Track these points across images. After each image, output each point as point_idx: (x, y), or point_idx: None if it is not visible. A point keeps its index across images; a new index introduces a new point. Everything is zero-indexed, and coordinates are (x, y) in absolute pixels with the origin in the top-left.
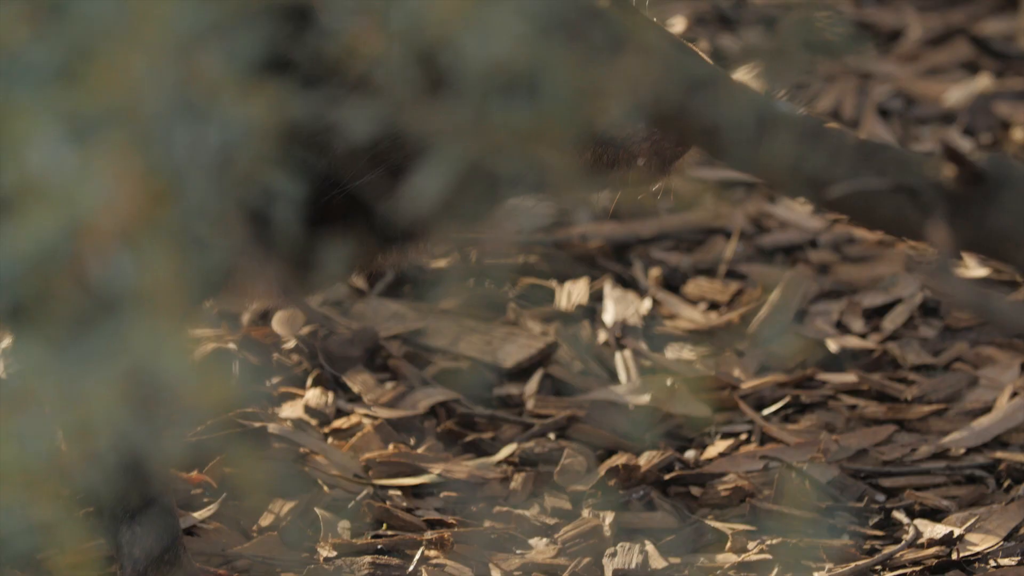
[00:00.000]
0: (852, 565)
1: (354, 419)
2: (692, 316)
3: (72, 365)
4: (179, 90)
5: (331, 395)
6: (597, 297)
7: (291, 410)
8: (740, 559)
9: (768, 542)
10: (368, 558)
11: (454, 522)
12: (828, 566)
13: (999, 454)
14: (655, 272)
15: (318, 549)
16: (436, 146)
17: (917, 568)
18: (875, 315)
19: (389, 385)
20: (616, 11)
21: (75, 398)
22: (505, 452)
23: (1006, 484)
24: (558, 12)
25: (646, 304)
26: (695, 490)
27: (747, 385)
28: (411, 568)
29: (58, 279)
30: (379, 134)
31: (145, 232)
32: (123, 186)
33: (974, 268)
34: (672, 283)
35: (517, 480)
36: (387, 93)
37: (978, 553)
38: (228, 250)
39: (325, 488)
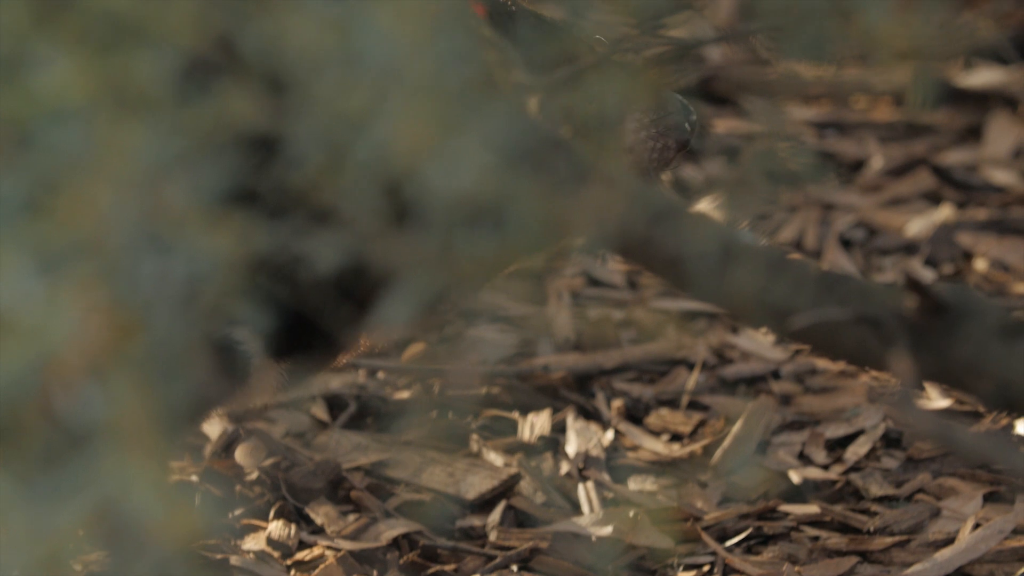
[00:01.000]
0: None
1: (317, 551)
2: (655, 447)
3: (40, 500)
4: (145, 222)
5: (294, 527)
6: (560, 428)
7: (254, 542)
8: None
9: None
10: None
11: None
12: None
13: None
14: (618, 403)
15: None
16: (402, 276)
17: None
18: (837, 446)
19: (352, 517)
20: (579, 143)
21: (41, 533)
22: None
23: None
24: (522, 143)
25: (609, 435)
26: None
27: (710, 516)
28: None
29: (26, 413)
30: (344, 265)
31: (113, 365)
32: (91, 319)
33: (936, 399)
34: (635, 414)
35: None
36: (352, 224)
37: None
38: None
39: None
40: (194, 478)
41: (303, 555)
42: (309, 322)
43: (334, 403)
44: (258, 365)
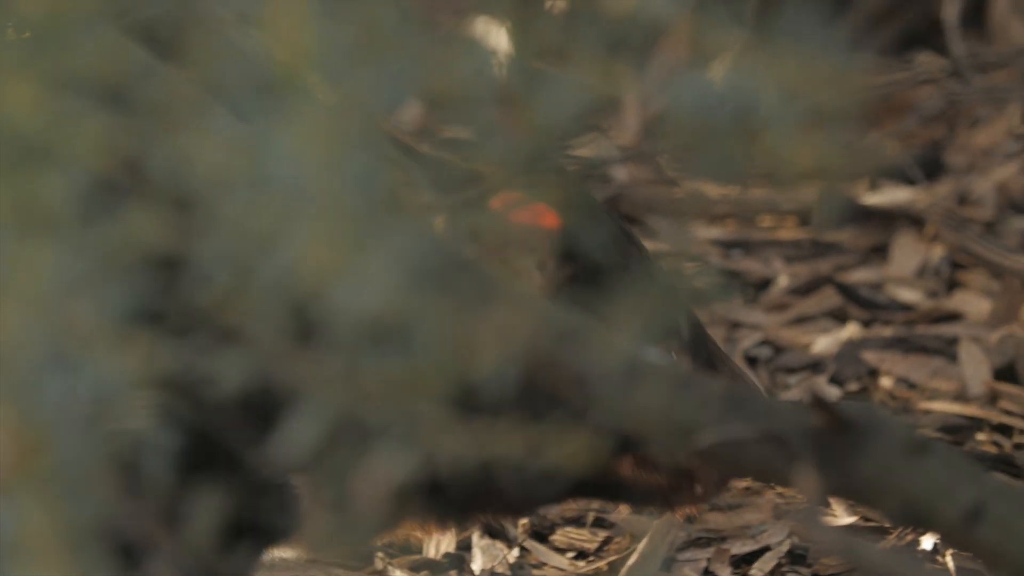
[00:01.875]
0: None
1: None
2: (560, 564)
3: None
4: (51, 341)
5: None
6: (465, 546)
7: None
8: None
9: None
10: None
11: None
12: None
13: None
14: (523, 521)
15: None
16: (306, 396)
17: None
18: (743, 562)
19: None
20: (485, 262)
21: None
22: None
23: None
24: (429, 263)
25: (514, 553)
26: None
27: None
28: None
29: None
30: (249, 384)
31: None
32: None
33: (842, 515)
34: (540, 531)
35: None
36: (258, 343)
37: None
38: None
39: None
40: None
41: None
42: (214, 442)
43: None
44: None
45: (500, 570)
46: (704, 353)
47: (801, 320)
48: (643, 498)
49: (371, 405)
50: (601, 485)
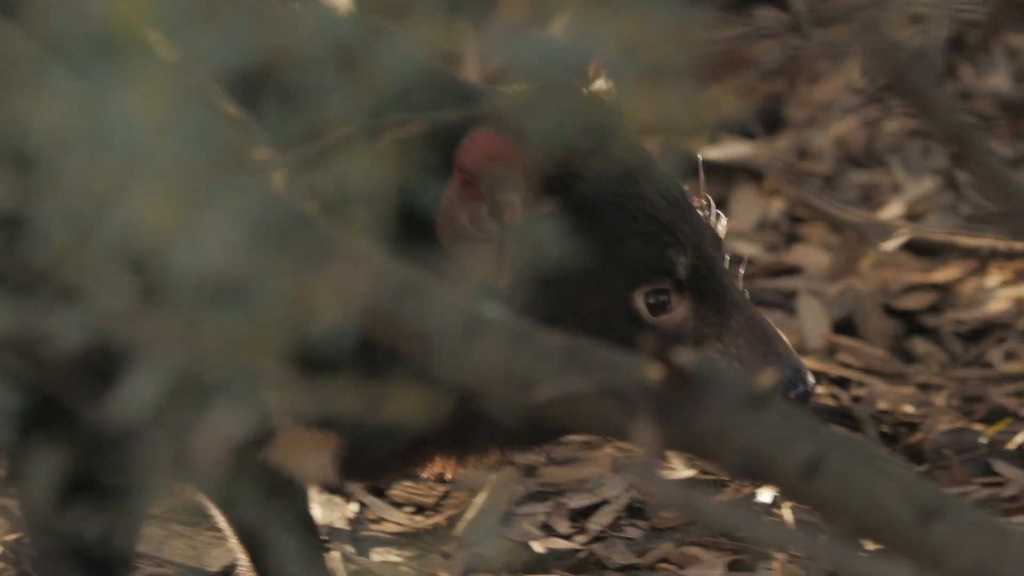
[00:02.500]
0: None
1: None
2: (399, 519)
3: None
4: None
5: None
6: None
7: None
8: None
9: None
10: None
11: None
12: None
13: None
14: None
15: None
16: (146, 354)
17: None
18: (581, 516)
19: None
20: (325, 219)
21: None
22: None
23: None
24: (268, 221)
25: (353, 507)
26: None
27: None
28: None
29: None
30: (89, 342)
31: None
32: None
33: (680, 469)
34: (379, 487)
35: None
36: (97, 302)
37: None
38: None
39: None
40: None
41: None
42: (53, 400)
43: None
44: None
45: (339, 525)
46: (712, 294)
47: None
48: None
49: (211, 363)
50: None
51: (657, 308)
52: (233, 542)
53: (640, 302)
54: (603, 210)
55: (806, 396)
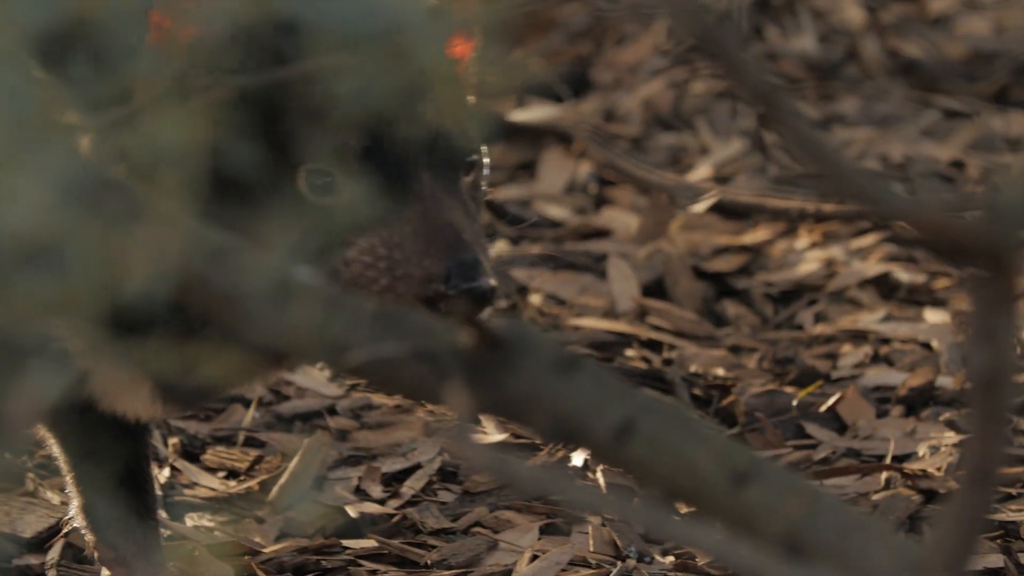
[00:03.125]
0: None
1: None
2: (212, 484)
3: None
4: None
5: None
6: None
7: None
8: None
9: None
10: None
11: None
12: None
13: None
14: (174, 441)
15: None
16: None
17: None
18: (394, 480)
19: None
20: (134, 182)
21: None
22: None
23: None
24: (77, 182)
25: (165, 472)
26: None
27: (268, 551)
28: None
29: None
30: None
31: None
32: None
33: (493, 433)
34: (191, 451)
35: None
36: None
37: None
38: None
39: None
40: None
41: None
42: None
43: None
44: None
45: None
46: (401, 181)
47: None
48: None
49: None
50: None
51: (319, 188)
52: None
53: (301, 179)
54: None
55: (473, 294)
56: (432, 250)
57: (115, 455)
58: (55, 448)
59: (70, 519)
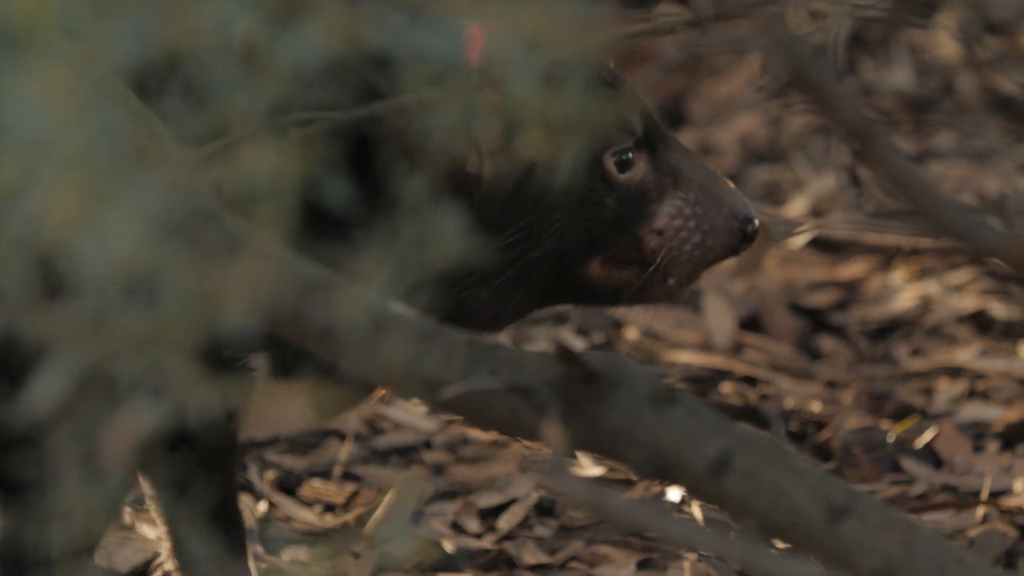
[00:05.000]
0: None
1: None
2: (308, 518)
3: None
4: None
5: None
6: None
7: None
8: None
9: None
10: None
11: None
12: None
13: None
14: (270, 475)
15: None
16: (54, 349)
17: None
18: (491, 515)
19: None
20: (230, 215)
21: None
22: None
23: None
24: (174, 215)
25: (262, 506)
26: None
27: None
28: None
29: None
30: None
31: None
32: None
33: (589, 467)
34: (287, 485)
35: None
36: (4, 296)
37: None
38: None
39: None
40: None
41: None
42: None
43: None
44: None
45: (248, 524)
46: (661, 146)
47: None
48: (615, 295)
49: (119, 358)
50: (571, 288)
51: (623, 166)
52: (161, 530)
53: (609, 163)
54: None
55: (756, 232)
56: (719, 198)
57: (205, 491)
58: (146, 485)
59: (162, 560)
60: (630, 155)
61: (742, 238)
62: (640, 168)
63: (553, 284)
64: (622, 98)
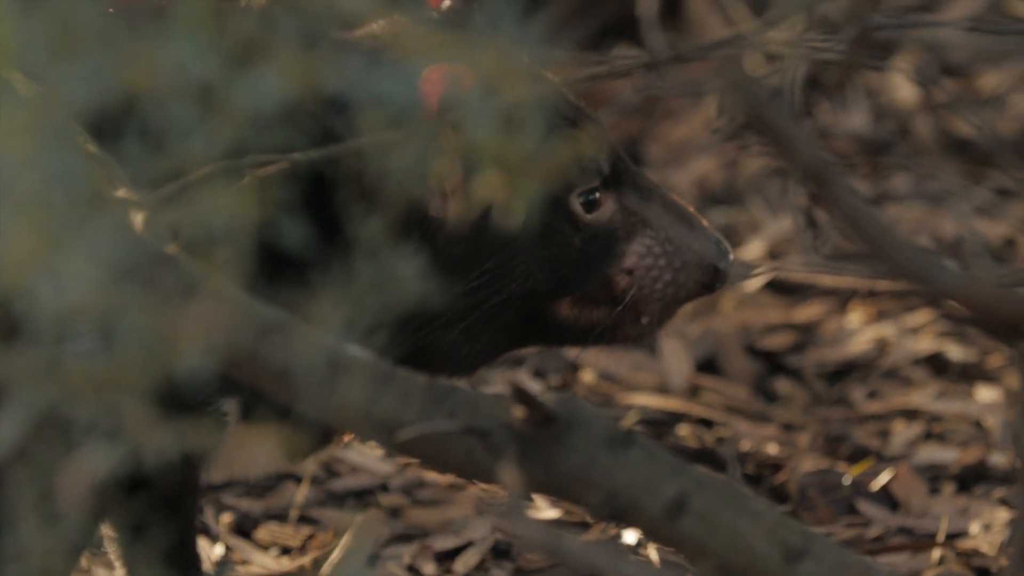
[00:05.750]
0: None
1: None
2: (264, 561)
3: None
4: None
5: None
6: None
7: None
8: None
9: None
10: None
11: None
12: None
13: None
14: (227, 518)
15: None
16: (9, 391)
17: None
18: (447, 558)
19: None
20: (186, 258)
21: None
22: None
23: None
24: (130, 258)
25: (218, 550)
26: None
27: None
28: None
29: None
30: None
31: None
32: None
33: (545, 509)
34: (244, 529)
35: None
36: None
37: None
38: None
39: None
40: None
41: None
42: None
43: None
44: None
45: (205, 568)
46: (630, 184)
47: None
48: (587, 335)
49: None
50: (542, 330)
51: (590, 206)
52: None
53: (575, 204)
54: None
55: (729, 268)
56: (691, 236)
57: (163, 533)
58: (104, 526)
59: None
60: (597, 195)
61: (715, 275)
62: (608, 207)
63: (523, 325)
64: (587, 137)
